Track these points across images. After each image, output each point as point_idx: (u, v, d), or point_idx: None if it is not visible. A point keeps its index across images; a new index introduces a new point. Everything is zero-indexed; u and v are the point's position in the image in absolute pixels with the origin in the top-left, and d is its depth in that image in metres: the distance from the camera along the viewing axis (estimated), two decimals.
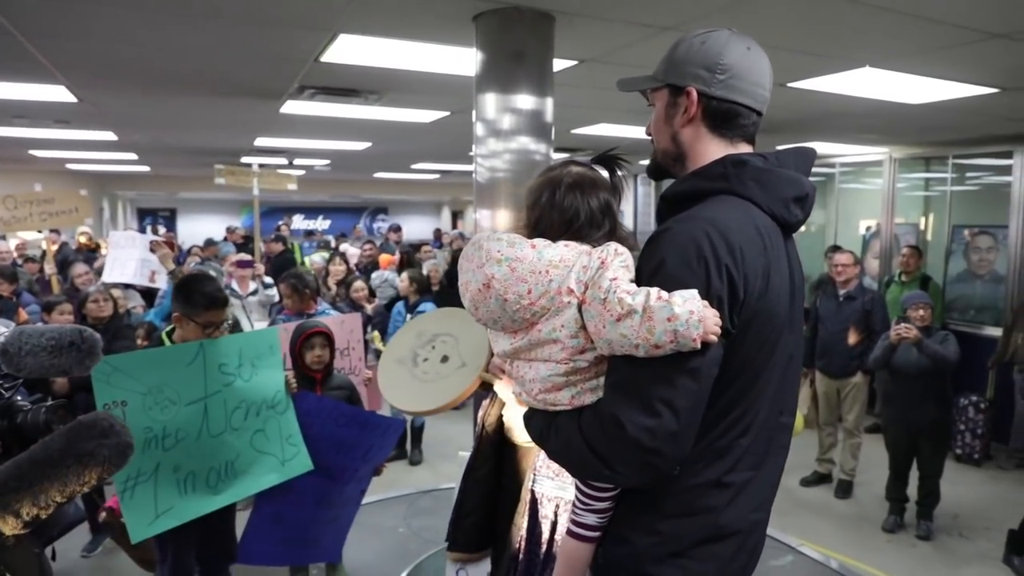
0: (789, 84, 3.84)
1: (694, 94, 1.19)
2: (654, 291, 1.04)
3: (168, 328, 2.63)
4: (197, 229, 16.59)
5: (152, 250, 5.39)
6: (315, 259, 7.78)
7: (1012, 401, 5.17)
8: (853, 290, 4.57)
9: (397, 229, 10.27)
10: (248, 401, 2.41)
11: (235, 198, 17.59)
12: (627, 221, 11.28)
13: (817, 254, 6.92)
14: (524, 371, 1.22)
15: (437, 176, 13.17)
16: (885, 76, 3.59)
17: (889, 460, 4.17)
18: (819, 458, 4.85)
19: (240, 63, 3.63)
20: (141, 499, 2.15)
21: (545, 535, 1.70)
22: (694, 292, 1.03)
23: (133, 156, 9.08)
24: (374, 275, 6.75)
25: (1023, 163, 5.69)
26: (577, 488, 1.26)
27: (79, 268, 5.59)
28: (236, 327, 4.53)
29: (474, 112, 2.88)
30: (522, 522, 1.73)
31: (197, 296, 2.46)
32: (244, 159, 8.39)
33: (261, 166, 6.28)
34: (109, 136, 6.67)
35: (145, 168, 11.35)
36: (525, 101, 2.76)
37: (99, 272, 5.92)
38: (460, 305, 1.29)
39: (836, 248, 5.93)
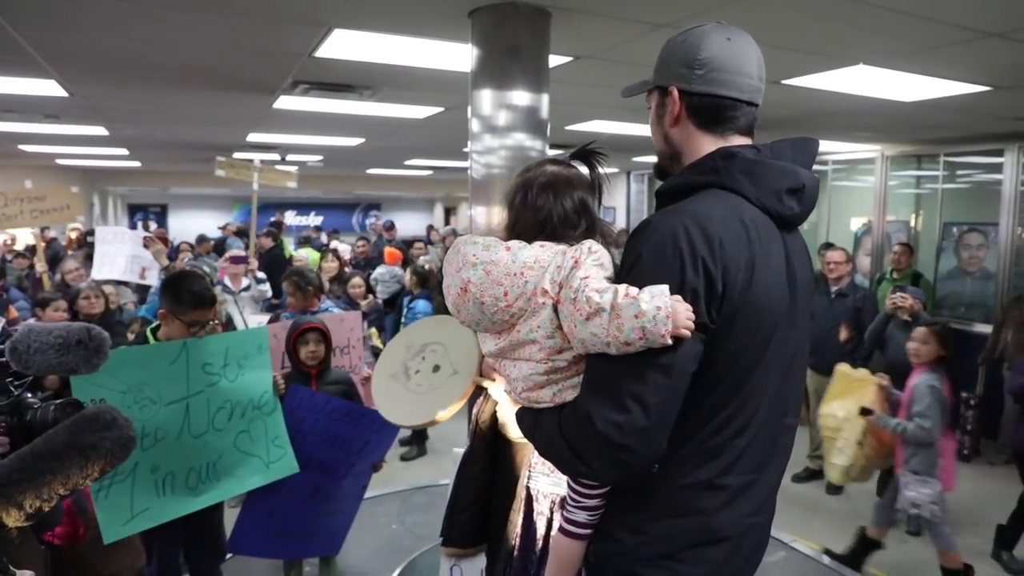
0: (783, 81, 3.85)
1: (675, 93, 1.19)
2: (622, 288, 1.04)
3: (154, 325, 2.59)
4: (188, 225, 16.50)
5: (146, 246, 5.36)
6: (300, 254, 7.74)
7: (1001, 397, 5.21)
8: (845, 287, 4.60)
9: (390, 227, 10.23)
10: (233, 402, 2.37)
11: (227, 194, 17.51)
12: (619, 219, 11.30)
13: (811, 251, 6.95)
14: (510, 370, 1.23)
15: (430, 172, 13.14)
16: (878, 74, 3.61)
17: None
18: (810, 454, 4.87)
19: (233, 58, 3.60)
20: (116, 499, 2.11)
21: (541, 532, 1.70)
22: (663, 288, 1.02)
23: (124, 151, 9.01)
24: (380, 270, 6.75)
25: (1013, 161, 5.74)
26: (568, 485, 1.26)
27: (70, 264, 5.55)
28: (229, 323, 4.52)
29: (469, 108, 2.87)
30: (517, 519, 1.74)
31: (185, 294, 2.42)
32: (236, 155, 8.35)
33: (262, 162, 6.23)
34: (100, 131, 6.62)
35: (136, 163, 11.28)
36: (521, 97, 2.76)
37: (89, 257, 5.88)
38: None
39: (829, 245, 5.96)
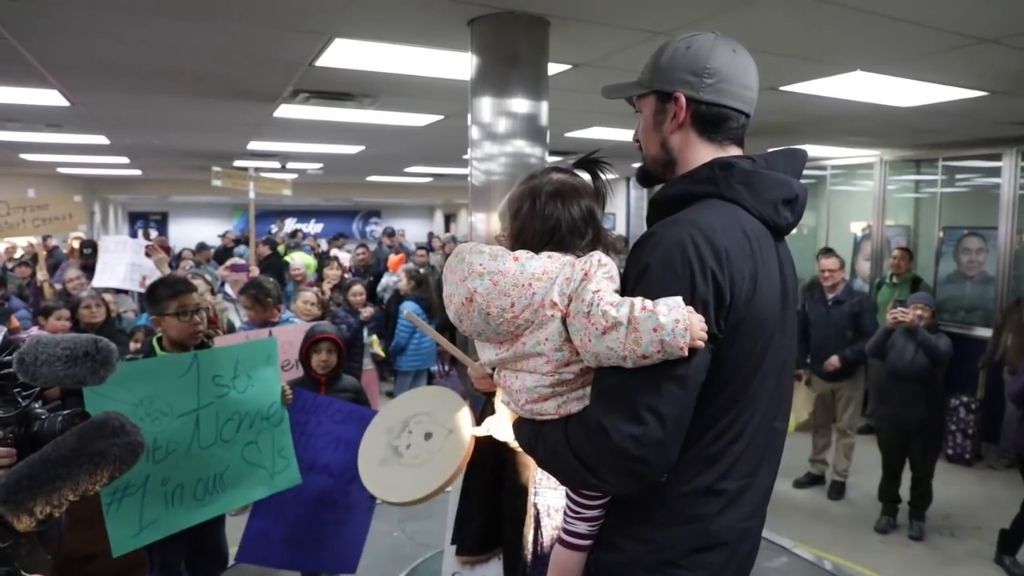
0: (781, 88, 3.87)
1: (682, 99, 1.18)
2: (638, 301, 1.03)
3: (158, 335, 2.62)
4: (189, 233, 16.52)
5: (148, 255, 5.37)
6: (296, 262, 7.71)
7: (1002, 401, 5.21)
8: (841, 294, 4.61)
9: (391, 233, 10.26)
10: (241, 413, 2.38)
11: (227, 202, 17.53)
12: (619, 225, 11.32)
13: (809, 256, 6.97)
14: (510, 381, 1.21)
15: (430, 179, 13.17)
16: (876, 80, 3.62)
17: (882, 461, 4.19)
18: (812, 459, 4.87)
19: (234, 66, 3.62)
20: (127, 512, 2.11)
21: (549, 547, 1.69)
22: (679, 299, 1.02)
23: (125, 160, 9.04)
24: (387, 278, 6.78)
25: (1011, 165, 5.75)
26: (568, 497, 1.25)
27: (71, 273, 5.56)
28: (231, 330, 4.51)
29: (469, 116, 2.89)
30: (529, 534, 1.73)
31: (160, 291, 2.51)
32: (237, 163, 8.37)
33: (257, 170, 6.26)
34: (101, 140, 6.64)
35: (137, 172, 11.30)
36: (520, 105, 2.77)
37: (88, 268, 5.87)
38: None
39: (827, 251, 5.97)
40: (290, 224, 14.73)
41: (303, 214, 19.41)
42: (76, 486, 1.00)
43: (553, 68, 3.12)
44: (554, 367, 1.14)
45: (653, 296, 1.04)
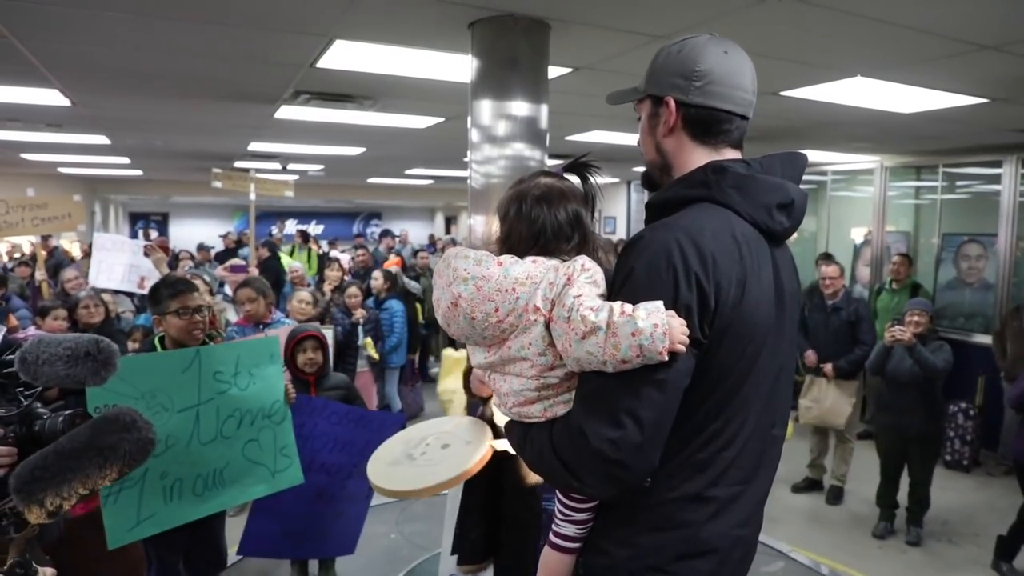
0: (782, 92, 3.87)
1: (672, 103, 1.18)
2: (617, 306, 1.03)
3: (159, 334, 2.63)
4: (190, 233, 16.54)
5: (146, 255, 5.37)
6: (294, 264, 7.69)
7: (1001, 408, 5.21)
8: (840, 301, 4.63)
9: (385, 234, 10.28)
10: (243, 410, 2.39)
11: (228, 202, 17.55)
12: (620, 228, 11.33)
13: (809, 261, 6.97)
14: (500, 384, 1.21)
15: (431, 181, 13.18)
16: (877, 86, 3.63)
17: (880, 466, 4.19)
18: (810, 464, 4.87)
19: (235, 68, 3.63)
20: (124, 504, 2.13)
21: None
22: (658, 304, 1.02)
23: (126, 160, 9.05)
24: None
25: (1012, 172, 5.75)
26: (557, 499, 1.25)
27: (69, 273, 5.56)
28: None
29: (469, 118, 2.89)
30: (536, 539, 1.73)
31: (161, 291, 2.52)
32: (238, 164, 8.38)
33: (258, 171, 6.26)
34: (102, 140, 6.65)
35: (137, 172, 11.32)
36: (520, 108, 2.78)
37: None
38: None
39: (827, 256, 5.98)
40: (291, 225, 14.76)
41: (304, 215, 19.44)
42: (86, 479, 1.01)
43: (553, 71, 3.13)
44: (539, 371, 1.14)
45: (637, 299, 1.04)
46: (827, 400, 4.54)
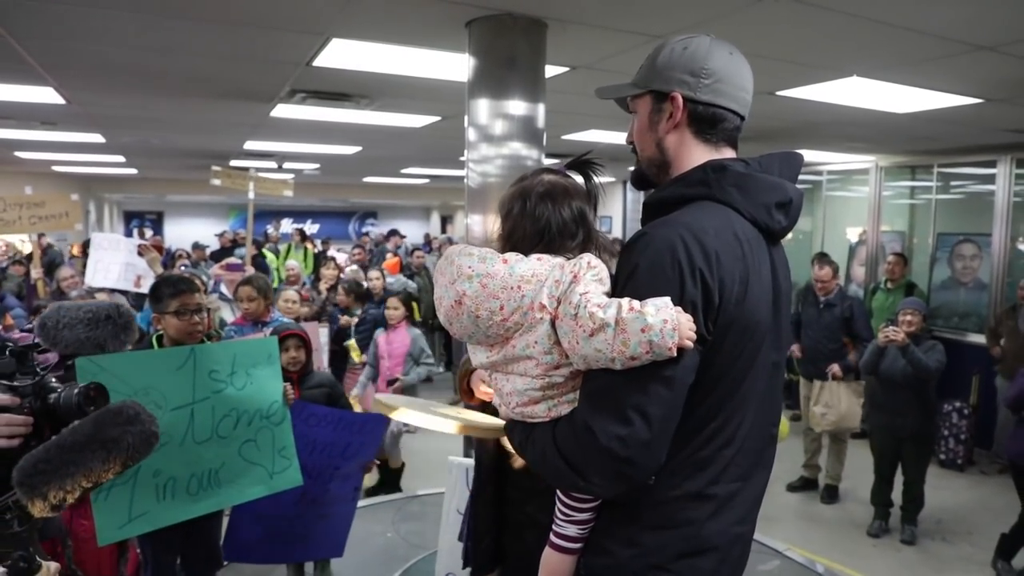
0: (778, 92, 3.88)
1: (679, 99, 1.18)
2: (625, 303, 1.03)
3: (157, 332, 2.62)
4: (185, 232, 16.49)
5: (140, 254, 5.35)
6: (291, 263, 7.68)
7: (995, 407, 5.24)
8: (833, 298, 4.68)
9: (393, 233, 10.28)
10: (239, 410, 2.37)
11: (223, 201, 17.51)
12: (615, 228, 11.34)
13: (805, 261, 6.99)
14: (502, 384, 1.20)
15: (427, 181, 13.17)
16: (872, 86, 3.64)
17: (874, 465, 4.21)
18: (805, 463, 4.88)
19: (231, 66, 3.62)
20: (115, 502, 2.10)
21: None
22: (667, 300, 1.02)
23: (120, 158, 9.01)
24: (388, 280, 6.77)
25: (1006, 172, 5.78)
26: (558, 499, 1.24)
27: (65, 271, 5.54)
28: (224, 328, 4.51)
29: (466, 117, 2.89)
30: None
31: (163, 289, 2.53)
32: (233, 162, 8.35)
33: (257, 170, 6.22)
34: (96, 138, 6.62)
35: (132, 170, 11.27)
36: (517, 107, 2.78)
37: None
38: None
39: (822, 257, 6.00)
40: (287, 224, 14.71)
41: (300, 214, 19.40)
42: (90, 472, 1.01)
43: (550, 70, 3.13)
44: (543, 370, 1.13)
45: (642, 297, 1.03)
46: (842, 404, 4.53)
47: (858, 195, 7.35)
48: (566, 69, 3.47)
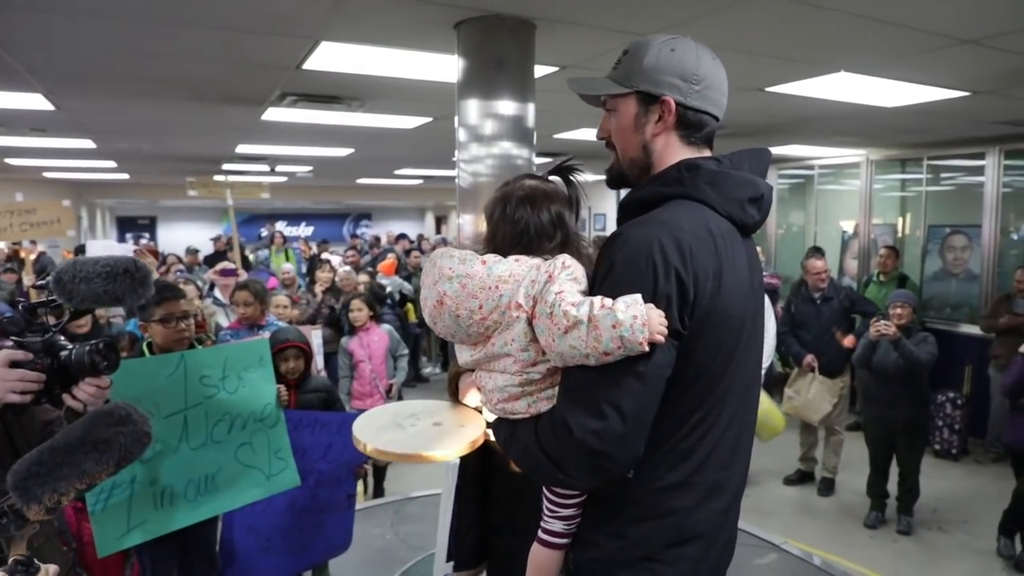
0: (767, 88, 3.90)
1: (672, 103, 1.19)
2: (597, 300, 1.06)
3: (148, 340, 2.63)
4: (178, 237, 16.42)
5: None
6: (286, 266, 7.67)
7: (988, 397, 5.27)
8: (828, 291, 4.69)
9: (402, 236, 10.34)
10: (233, 414, 2.37)
11: (217, 205, 17.35)
12: (610, 225, 11.35)
13: (797, 255, 7.02)
14: (485, 381, 1.25)
15: (420, 181, 13.16)
16: (860, 80, 3.66)
17: (869, 457, 4.23)
18: (802, 457, 4.91)
19: (221, 70, 3.62)
20: (114, 512, 2.10)
21: None
22: (637, 296, 1.04)
23: (112, 164, 8.98)
24: (384, 281, 6.79)
25: (994, 164, 5.82)
26: (544, 495, 1.26)
27: None
28: (218, 332, 4.50)
29: (456, 118, 2.90)
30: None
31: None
32: (225, 166, 8.32)
33: (233, 174, 6.21)
34: (87, 144, 6.60)
35: (124, 176, 11.23)
36: (507, 107, 2.79)
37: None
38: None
39: (816, 250, 6.02)
40: (271, 228, 14.69)
41: (293, 217, 19.35)
42: (83, 474, 1.02)
43: (539, 70, 3.14)
44: (521, 367, 1.17)
45: (618, 294, 1.06)
46: (808, 393, 4.56)
47: (850, 188, 7.39)
48: (555, 69, 3.48)
